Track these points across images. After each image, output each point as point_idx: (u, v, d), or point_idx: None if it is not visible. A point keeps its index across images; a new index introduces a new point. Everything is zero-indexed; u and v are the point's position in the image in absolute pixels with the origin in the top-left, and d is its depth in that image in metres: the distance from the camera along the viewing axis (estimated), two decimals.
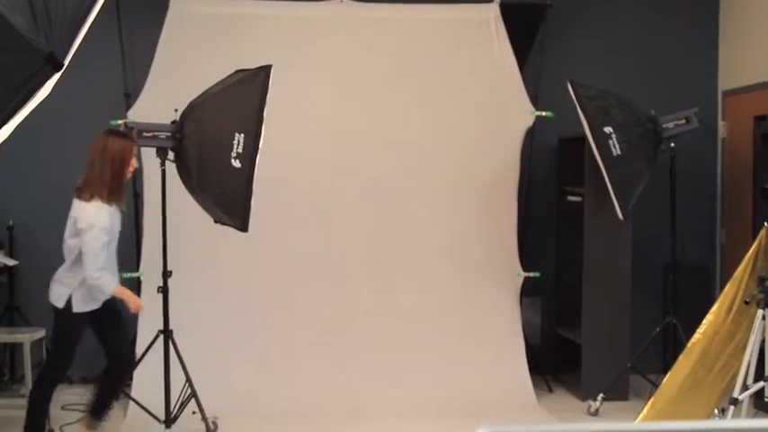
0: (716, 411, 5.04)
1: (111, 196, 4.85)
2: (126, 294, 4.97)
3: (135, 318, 5.83)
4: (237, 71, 5.29)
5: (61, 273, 4.91)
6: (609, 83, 6.56)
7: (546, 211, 7.12)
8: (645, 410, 5.15)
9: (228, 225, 5.23)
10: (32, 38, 3.57)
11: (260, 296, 6.35)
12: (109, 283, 4.84)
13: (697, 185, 7.19)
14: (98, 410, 5.17)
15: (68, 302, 4.83)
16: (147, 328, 5.72)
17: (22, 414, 5.39)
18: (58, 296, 4.86)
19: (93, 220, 4.77)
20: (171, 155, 5.13)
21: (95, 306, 4.91)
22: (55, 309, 4.88)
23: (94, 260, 4.75)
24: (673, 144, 6.09)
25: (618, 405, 6.25)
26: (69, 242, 4.88)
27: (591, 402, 6.18)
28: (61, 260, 4.89)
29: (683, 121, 6.09)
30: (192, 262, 6.11)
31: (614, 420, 5.90)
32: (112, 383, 5.15)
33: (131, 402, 5.56)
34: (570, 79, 6.20)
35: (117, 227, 4.95)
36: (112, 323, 5.04)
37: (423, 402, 6.09)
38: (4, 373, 6.56)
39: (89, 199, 4.81)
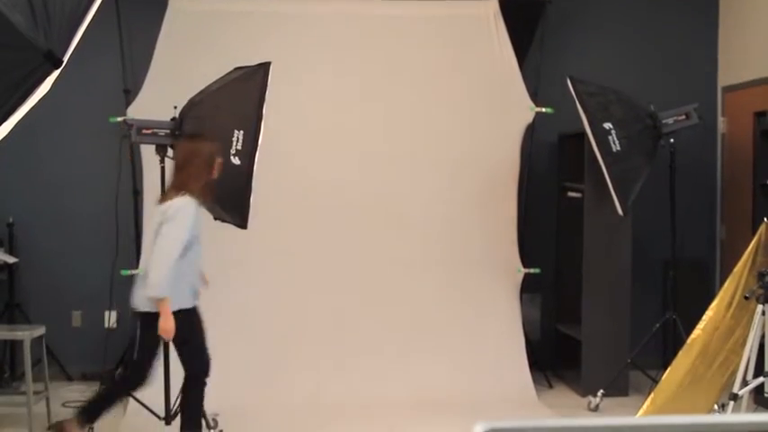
0: (716, 407, 5.05)
1: (198, 193, 4.78)
2: (166, 314, 4.66)
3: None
4: (237, 68, 5.29)
5: (143, 278, 4.84)
6: (608, 79, 6.56)
7: (546, 208, 7.12)
8: (645, 406, 5.15)
9: (228, 222, 5.23)
10: (32, 35, 3.58)
11: (260, 294, 6.35)
12: (161, 285, 4.61)
13: (697, 181, 7.18)
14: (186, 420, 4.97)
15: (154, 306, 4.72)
16: None
17: (22, 411, 5.40)
18: (143, 303, 4.77)
19: (181, 210, 4.67)
20: (170, 152, 5.12)
21: (186, 305, 4.77)
22: (141, 313, 4.80)
23: (165, 251, 4.61)
24: (672, 140, 6.08)
25: (618, 401, 6.25)
26: (152, 244, 4.77)
27: (591, 398, 6.18)
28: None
29: (683, 117, 6.08)
30: None
31: (614, 416, 5.89)
32: (193, 390, 4.91)
33: (131, 399, 5.56)
34: (570, 75, 6.20)
35: (199, 228, 4.81)
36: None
37: (423, 398, 6.09)
38: (4, 371, 6.55)
39: (174, 197, 4.73)
